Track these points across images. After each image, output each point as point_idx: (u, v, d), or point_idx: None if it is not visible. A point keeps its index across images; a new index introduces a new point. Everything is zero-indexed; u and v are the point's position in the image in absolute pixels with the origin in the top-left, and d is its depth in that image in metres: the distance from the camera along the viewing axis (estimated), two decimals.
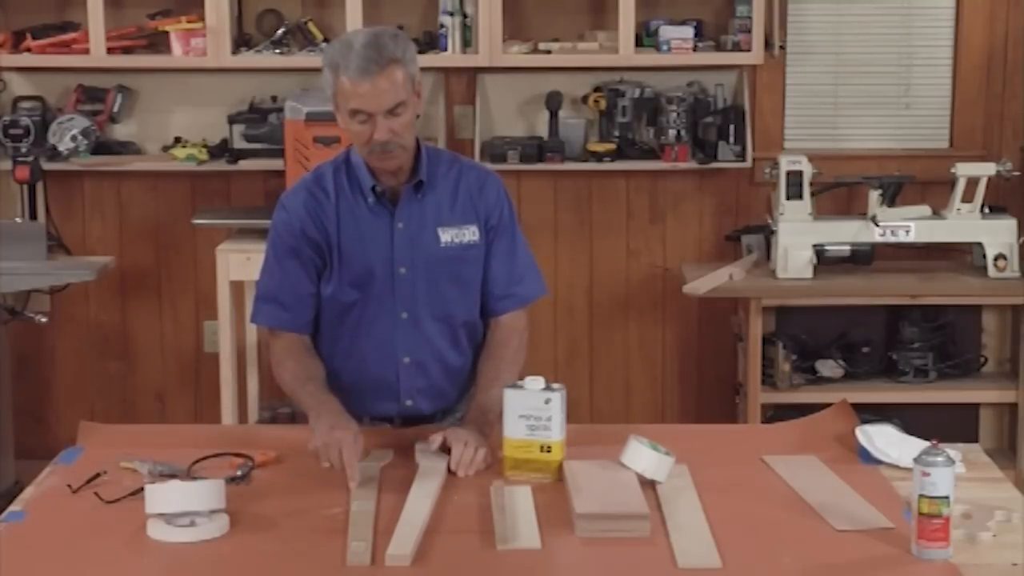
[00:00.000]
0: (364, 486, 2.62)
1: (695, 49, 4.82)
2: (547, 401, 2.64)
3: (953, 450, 2.46)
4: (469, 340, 3.03)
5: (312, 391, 2.90)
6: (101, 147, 4.95)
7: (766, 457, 2.78)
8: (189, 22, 4.78)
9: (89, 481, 2.63)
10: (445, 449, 2.74)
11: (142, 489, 2.46)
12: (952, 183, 4.66)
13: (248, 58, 4.86)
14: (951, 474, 2.28)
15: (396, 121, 2.81)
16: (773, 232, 4.67)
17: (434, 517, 2.49)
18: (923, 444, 2.40)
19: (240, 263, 4.53)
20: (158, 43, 4.90)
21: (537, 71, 4.96)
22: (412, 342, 2.96)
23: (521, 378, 2.70)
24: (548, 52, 4.84)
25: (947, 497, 2.27)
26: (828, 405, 3.10)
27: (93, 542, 2.40)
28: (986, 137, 5.08)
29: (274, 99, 4.88)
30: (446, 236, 2.96)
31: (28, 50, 4.84)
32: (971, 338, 4.92)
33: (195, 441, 2.86)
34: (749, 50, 4.79)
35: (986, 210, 4.68)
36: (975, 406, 4.95)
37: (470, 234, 2.97)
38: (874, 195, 4.63)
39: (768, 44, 4.84)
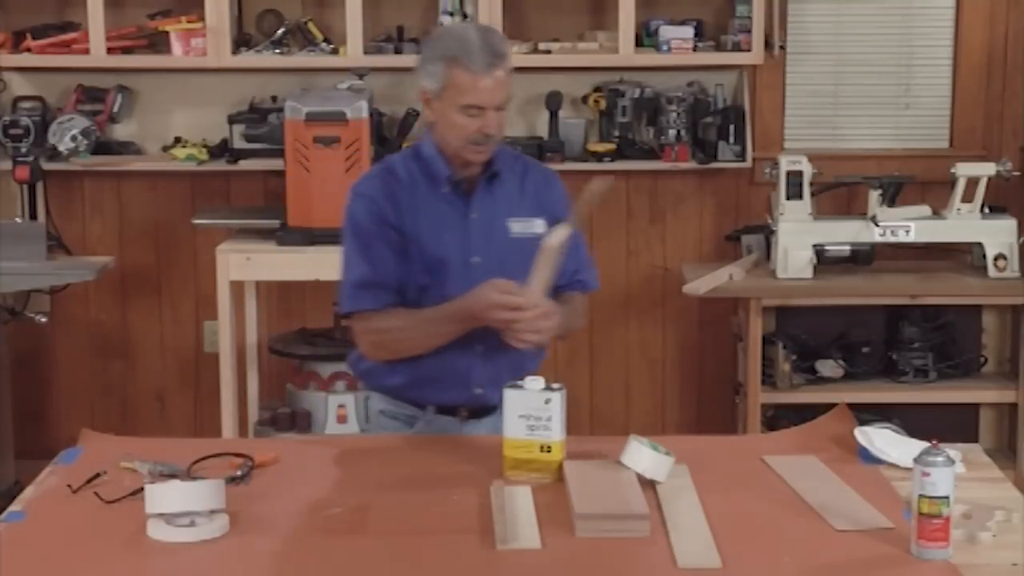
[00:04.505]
0: None
1: (695, 49, 4.82)
2: (547, 401, 2.64)
3: (953, 450, 2.46)
4: None
5: (438, 308, 2.92)
6: (101, 147, 4.95)
7: (766, 457, 2.77)
8: (189, 22, 4.78)
9: (89, 481, 2.62)
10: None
11: (142, 489, 2.46)
12: (952, 183, 4.66)
13: (248, 58, 4.86)
14: (951, 474, 2.28)
15: (502, 115, 2.91)
16: (773, 232, 4.67)
17: (434, 517, 2.49)
18: (923, 444, 2.40)
19: (240, 263, 4.53)
20: (158, 43, 4.90)
21: (537, 71, 4.96)
22: (486, 330, 2.95)
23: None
24: (548, 52, 4.84)
25: (947, 497, 2.27)
26: (828, 405, 3.10)
27: (93, 542, 2.40)
28: (986, 137, 5.09)
29: (274, 99, 4.88)
30: (516, 227, 3.01)
31: (28, 50, 4.84)
32: (971, 338, 4.92)
33: (197, 452, 2.84)
34: (749, 50, 4.79)
35: (986, 210, 4.69)
36: (975, 406, 4.95)
37: (539, 227, 3.02)
38: (874, 195, 4.63)
39: (768, 44, 4.84)
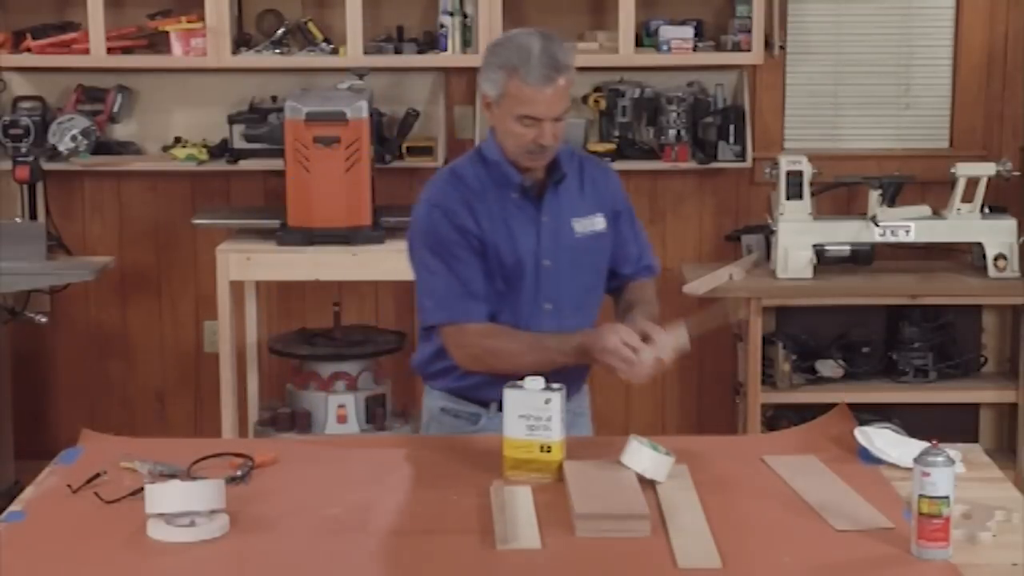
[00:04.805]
0: None
1: (695, 49, 4.82)
2: (547, 401, 2.64)
3: (953, 450, 2.46)
4: None
5: (555, 338, 2.92)
6: (101, 147, 4.95)
7: (766, 457, 2.77)
8: (189, 22, 4.78)
9: (89, 481, 2.63)
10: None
11: (142, 489, 2.46)
12: (952, 183, 4.66)
13: (248, 58, 4.86)
14: (951, 474, 2.28)
15: (559, 126, 2.90)
16: (773, 232, 4.67)
17: (434, 517, 2.50)
18: (923, 444, 2.40)
19: (240, 263, 4.53)
20: (158, 43, 4.90)
21: None
22: (558, 328, 2.98)
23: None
24: None
25: (947, 497, 2.27)
26: (828, 405, 3.10)
27: (93, 542, 2.40)
28: (986, 137, 5.09)
29: (274, 99, 4.88)
30: (579, 226, 3.03)
31: (28, 50, 4.84)
32: (971, 338, 4.92)
33: (197, 452, 2.84)
34: (749, 50, 4.79)
35: (986, 210, 4.69)
36: (975, 406, 4.95)
37: (599, 223, 3.04)
38: (874, 195, 4.64)
39: (768, 44, 4.84)
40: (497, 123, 2.95)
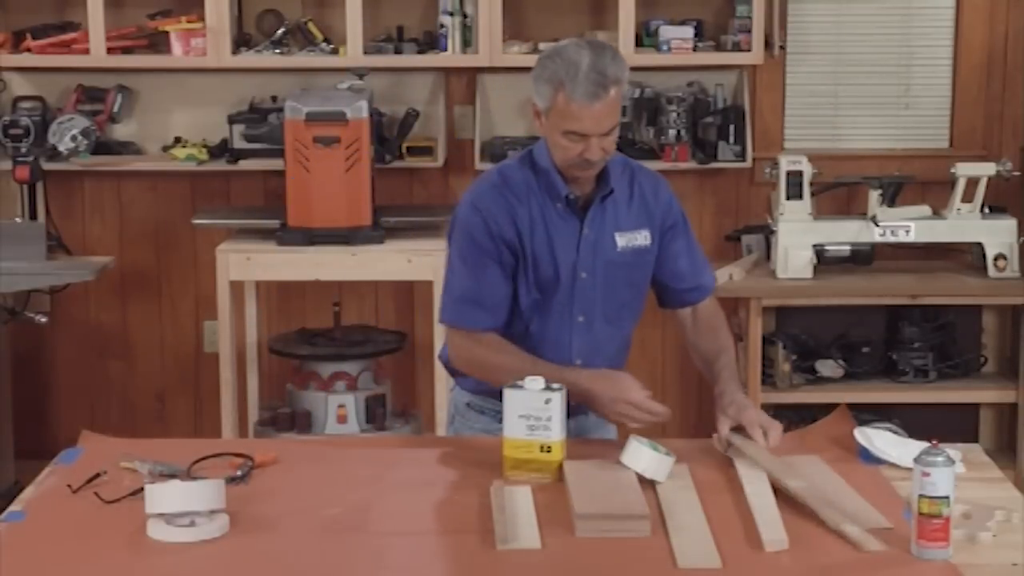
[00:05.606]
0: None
1: (695, 49, 4.82)
2: (547, 401, 2.64)
3: (953, 450, 2.46)
4: (627, 347, 3.11)
5: (552, 367, 2.86)
6: (101, 147, 4.95)
7: None
8: (189, 22, 4.78)
9: (89, 481, 2.62)
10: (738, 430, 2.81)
11: (142, 489, 2.46)
12: (952, 183, 4.67)
13: (248, 58, 4.86)
14: (951, 474, 2.28)
15: (607, 140, 2.86)
16: (773, 232, 4.67)
17: (434, 517, 2.50)
18: (923, 444, 2.40)
19: (240, 263, 4.53)
20: (158, 43, 4.90)
21: None
22: (585, 345, 2.98)
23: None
24: None
25: (947, 497, 2.27)
26: (828, 405, 3.10)
27: (93, 542, 2.40)
28: (986, 137, 5.09)
29: (274, 99, 4.88)
30: (621, 241, 2.99)
31: (28, 50, 4.84)
32: (971, 338, 4.92)
33: (197, 452, 2.84)
34: (749, 50, 4.79)
35: (986, 210, 4.69)
36: (975, 406, 4.95)
37: (642, 238, 3.00)
38: (874, 195, 4.64)
39: (768, 44, 4.84)
40: (546, 134, 2.92)
